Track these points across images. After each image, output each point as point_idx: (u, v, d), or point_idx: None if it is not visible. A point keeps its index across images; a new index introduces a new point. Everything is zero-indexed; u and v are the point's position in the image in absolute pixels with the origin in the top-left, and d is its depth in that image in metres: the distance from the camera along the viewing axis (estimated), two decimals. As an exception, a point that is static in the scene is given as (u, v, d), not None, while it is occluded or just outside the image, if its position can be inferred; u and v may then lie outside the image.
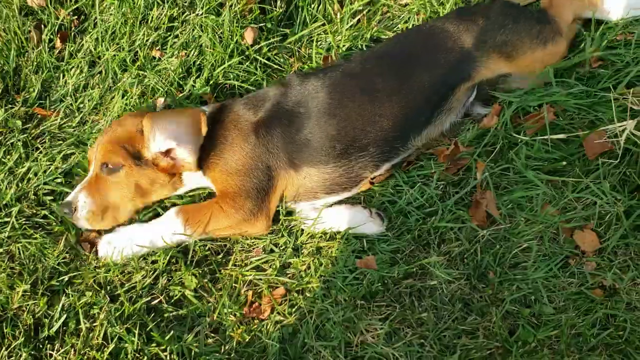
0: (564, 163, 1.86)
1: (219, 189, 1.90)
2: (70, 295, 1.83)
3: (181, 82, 2.24)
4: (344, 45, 2.29)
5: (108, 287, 1.87)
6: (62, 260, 1.92)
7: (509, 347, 1.68)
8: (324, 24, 2.35)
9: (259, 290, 1.86)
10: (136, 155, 1.89)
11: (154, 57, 2.30)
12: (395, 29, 2.36)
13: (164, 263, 1.87)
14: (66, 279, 1.88)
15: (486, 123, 1.99)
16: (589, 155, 1.84)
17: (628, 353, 1.66)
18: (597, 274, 1.77)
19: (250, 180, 1.86)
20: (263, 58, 2.28)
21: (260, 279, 1.86)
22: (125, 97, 2.22)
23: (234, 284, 1.86)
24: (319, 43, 2.33)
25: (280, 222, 1.94)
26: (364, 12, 2.36)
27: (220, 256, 1.93)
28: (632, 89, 1.89)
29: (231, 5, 2.31)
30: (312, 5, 2.35)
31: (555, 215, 1.84)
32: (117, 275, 1.89)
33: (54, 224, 2.00)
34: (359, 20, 2.35)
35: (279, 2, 2.35)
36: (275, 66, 2.31)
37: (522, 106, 1.97)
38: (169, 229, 1.88)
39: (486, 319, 1.73)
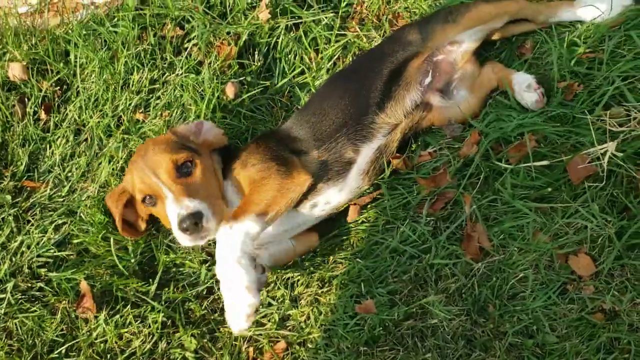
0: (550, 189, 1.88)
1: (247, 183, 1.88)
2: (70, 369, 1.82)
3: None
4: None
5: (108, 355, 1.86)
6: (60, 332, 1.90)
7: (516, 381, 1.66)
8: (302, 72, 2.39)
9: (260, 346, 1.84)
10: (189, 147, 1.91)
11: (138, 120, 2.33)
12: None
13: (157, 327, 1.85)
14: (63, 351, 1.86)
15: (465, 151, 2.01)
16: (574, 180, 1.86)
17: (636, 376, 1.65)
18: (596, 298, 1.76)
19: (269, 158, 1.90)
20: (246, 110, 2.31)
21: (260, 334, 1.85)
22: (112, 163, 2.24)
23: (234, 342, 1.85)
24: (301, 89, 2.36)
25: (275, 275, 1.94)
26: (340, 55, 2.41)
27: (217, 314, 1.92)
28: (609, 111, 1.92)
29: (210, 63, 2.35)
30: (289, 56, 2.40)
31: (548, 242, 1.84)
32: (116, 342, 1.87)
33: (50, 295, 1.99)
34: (335, 63, 2.39)
35: (257, 56, 2.39)
36: (260, 117, 2.34)
37: (502, 136, 1.99)
38: (235, 239, 1.66)
39: (490, 353, 1.72)
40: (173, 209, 1.71)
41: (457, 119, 2.10)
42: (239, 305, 1.55)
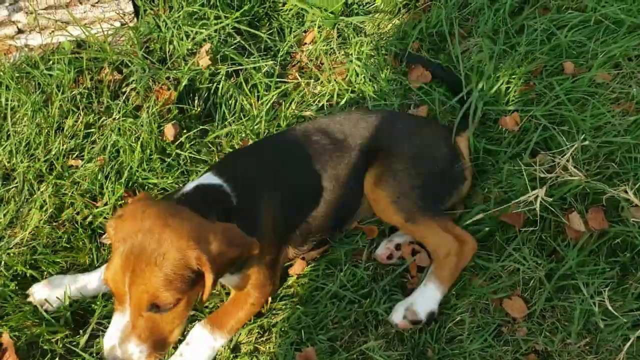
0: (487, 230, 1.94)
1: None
2: None
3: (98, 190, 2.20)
4: (265, 131, 2.35)
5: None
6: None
7: None
8: (242, 118, 2.40)
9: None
10: (193, 278, 1.54)
11: (71, 166, 2.26)
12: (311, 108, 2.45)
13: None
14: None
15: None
16: (517, 225, 1.93)
17: (569, 416, 1.69)
18: (529, 339, 1.81)
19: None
20: (185, 152, 2.29)
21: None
22: (43, 209, 2.16)
23: (171, 396, 1.78)
24: (239, 135, 2.37)
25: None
26: (280, 102, 2.45)
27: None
28: (537, 157, 2.03)
29: (149, 107, 2.33)
30: (230, 102, 2.41)
31: (484, 286, 1.89)
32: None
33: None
34: (274, 108, 2.42)
35: (197, 101, 2.40)
36: (201, 157, 2.32)
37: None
38: (207, 350, 1.80)
39: (430, 398, 1.73)
40: (113, 332, 1.53)
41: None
42: None
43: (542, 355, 1.80)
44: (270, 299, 1.93)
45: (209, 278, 1.51)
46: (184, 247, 1.49)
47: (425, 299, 1.86)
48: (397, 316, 1.85)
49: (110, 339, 1.53)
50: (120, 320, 1.53)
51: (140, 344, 1.53)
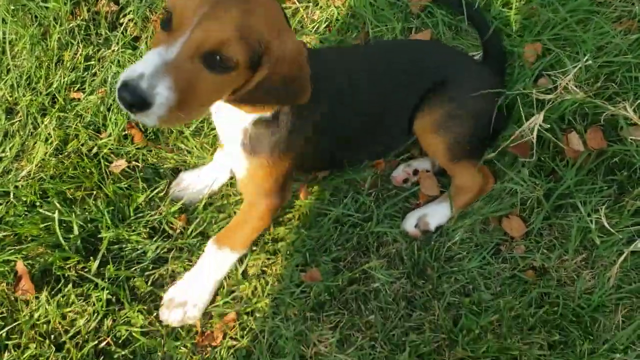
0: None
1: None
2: (13, 351, 1.78)
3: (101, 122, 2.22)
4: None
5: (52, 336, 1.83)
6: (0, 315, 1.86)
7: (454, 337, 1.75)
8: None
9: (209, 319, 1.86)
10: (258, 55, 1.31)
11: (74, 99, 2.27)
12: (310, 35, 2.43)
13: (101, 305, 1.84)
14: (4, 334, 1.82)
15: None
16: (525, 155, 1.95)
17: (564, 327, 1.77)
18: (527, 257, 1.87)
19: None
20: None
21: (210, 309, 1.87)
22: (48, 142, 2.18)
23: (182, 315, 1.86)
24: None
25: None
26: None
27: (165, 289, 1.92)
28: (539, 81, 2.03)
29: (147, 38, 2.32)
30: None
31: (483, 207, 1.94)
32: (60, 322, 1.84)
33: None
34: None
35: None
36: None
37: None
38: (214, 264, 1.87)
39: (430, 313, 1.80)
40: (148, 62, 1.22)
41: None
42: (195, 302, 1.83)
43: (539, 272, 1.87)
44: (278, 213, 1.94)
45: (262, 71, 1.32)
46: (273, 20, 1.32)
47: (439, 213, 1.94)
48: (410, 224, 1.94)
49: (139, 67, 1.22)
50: (160, 55, 1.23)
51: (172, 89, 1.23)
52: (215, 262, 1.86)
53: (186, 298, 1.84)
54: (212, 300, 1.88)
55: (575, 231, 1.86)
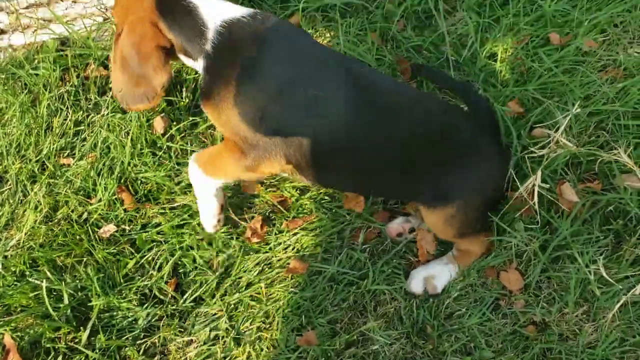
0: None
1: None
2: None
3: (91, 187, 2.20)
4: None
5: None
6: (-13, 394, 1.80)
7: (457, 400, 1.70)
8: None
9: (203, 387, 1.80)
10: None
11: (63, 165, 2.26)
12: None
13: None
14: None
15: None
16: (523, 212, 1.92)
17: (569, 383, 1.72)
18: (527, 311, 1.83)
19: None
20: (176, 145, 2.29)
21: (202, 376, 1.81)
22: (38, 209, 2.16)
23: (175, 386, 1.80)
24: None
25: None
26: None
27: (156, 358, 1.86)
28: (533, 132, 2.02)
29: (137, 101, 2.32)
30: (218, 91, 2.40)
31: (480, 261, 1.91)
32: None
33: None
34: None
35: (184, 93, 2.38)
36: (193, 148, 2.31)
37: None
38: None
39: (431, 375, 1.75)
40: None
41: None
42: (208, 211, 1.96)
43: (540, 326, 1.83)
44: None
45: None
46: None
47: (445, 275, 1.90)
48: (416, 285, 1.90)
49: None
50: None
51: None
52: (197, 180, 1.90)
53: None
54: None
55: (574, 283, 1.82)
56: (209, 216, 1.99)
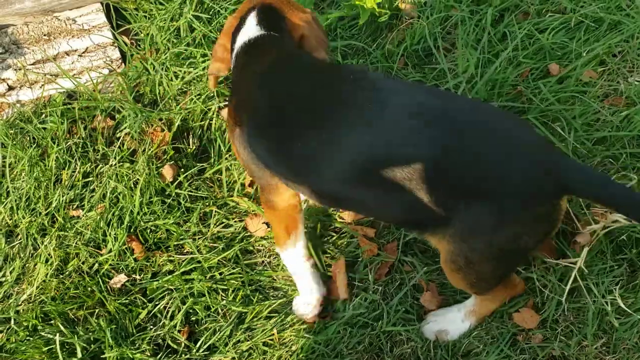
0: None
1: None
2: None
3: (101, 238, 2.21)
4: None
5: None
6: None
7: None
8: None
9: None
10: None
11: (73, 217, 2.27)
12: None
13: None
14: None
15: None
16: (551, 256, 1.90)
17: (594, 419, 1.68)
18: (546, 346, 1.81)
19: None
20: (185, 191, 2.30)
21: None
22: (49, 262, 2.16)
23: None
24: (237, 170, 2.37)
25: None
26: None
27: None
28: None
29: (144, 150, 2.35)
30: (225, 136, 2.42)
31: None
32: None
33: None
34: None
35: (191, 140, 2.41)
36: (201, 194, 2.32)
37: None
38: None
39: (453, 416, 1.72)
40: None
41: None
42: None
43: (560, 361, 1.79)
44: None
45: None
46: None
47: (459, 328, 1.86)
48: (429, 333, 1.87)
49: None
50: None
51: None
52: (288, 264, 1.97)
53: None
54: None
55: (591, 315, 1.80)
56: (304, 298, 1.98)
